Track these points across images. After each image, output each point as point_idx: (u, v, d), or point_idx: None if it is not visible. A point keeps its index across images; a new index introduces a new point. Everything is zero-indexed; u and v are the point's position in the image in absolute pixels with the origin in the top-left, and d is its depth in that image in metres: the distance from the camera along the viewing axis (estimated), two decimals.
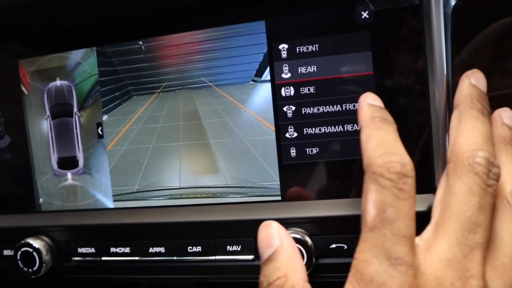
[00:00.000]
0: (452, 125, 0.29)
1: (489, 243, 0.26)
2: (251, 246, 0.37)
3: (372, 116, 0.29)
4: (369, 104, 0.30)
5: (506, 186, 0.28)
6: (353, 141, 0.35)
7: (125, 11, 0.39)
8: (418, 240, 0.26)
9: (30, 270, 0.42)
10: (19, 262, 0.42)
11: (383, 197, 0.25)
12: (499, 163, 0.27)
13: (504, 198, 0.27)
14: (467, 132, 0.28)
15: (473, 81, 0.30)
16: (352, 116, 0.35)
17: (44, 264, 0.41)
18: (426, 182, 0.34)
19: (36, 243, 0.41)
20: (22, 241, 0.42)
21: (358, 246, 0.25)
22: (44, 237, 0.42)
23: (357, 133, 0.35)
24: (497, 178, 0.26)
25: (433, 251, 0.25)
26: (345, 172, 0.36)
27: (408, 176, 0.25)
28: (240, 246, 0.38)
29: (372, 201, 0.25)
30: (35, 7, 0.39)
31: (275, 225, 0.29)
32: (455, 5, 0.33)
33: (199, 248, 0.39)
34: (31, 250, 0.41)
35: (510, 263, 0.26)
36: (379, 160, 0.25)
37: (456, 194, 0.26)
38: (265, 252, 0.28)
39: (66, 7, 0.39)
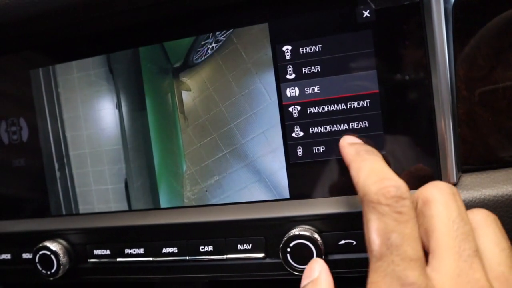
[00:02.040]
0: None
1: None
2: (262, 244, 0.38)
3: (356, 151, 0.31)
4: (350, 143, 0.33)
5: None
6: (358, 138, 0.36)
7: (130, 19, 0.39)
8: None
9: (48, 272, 0.43)
10: (38, 264, 0.43)
11: (385, 224, 0.25)
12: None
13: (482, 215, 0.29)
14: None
15: None
16: (357, 114, 0.35)
17: (61, 267, 0.42)
18: (432, 174, 0.34)
19: (53, 246, 0.43)
20: (40, 245, 0.43)
21: (369, 277, 0.26)
22: (61, 240, 0.43)
23: (362, 130, 0.35)
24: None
25: (439, 269, 0.25)
26: None
27: (404, 198, 0.26)
28: (250, 245, 0.38)
29: (375, 230, 0.25)
30: (41, 19, 0.40)
31: (320, 261, 0.32)
32: (455, 0, 0.33)
33: (211, 248, 0.39)
34: (49, 253, 0.42)
35: (508, 270, 0.26)
36: (373, 187, 0.26)
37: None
38: (303, 282, 0.31)
39: (72, 18, 0.40)
